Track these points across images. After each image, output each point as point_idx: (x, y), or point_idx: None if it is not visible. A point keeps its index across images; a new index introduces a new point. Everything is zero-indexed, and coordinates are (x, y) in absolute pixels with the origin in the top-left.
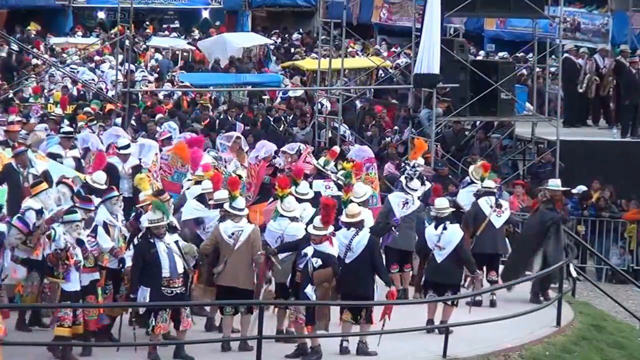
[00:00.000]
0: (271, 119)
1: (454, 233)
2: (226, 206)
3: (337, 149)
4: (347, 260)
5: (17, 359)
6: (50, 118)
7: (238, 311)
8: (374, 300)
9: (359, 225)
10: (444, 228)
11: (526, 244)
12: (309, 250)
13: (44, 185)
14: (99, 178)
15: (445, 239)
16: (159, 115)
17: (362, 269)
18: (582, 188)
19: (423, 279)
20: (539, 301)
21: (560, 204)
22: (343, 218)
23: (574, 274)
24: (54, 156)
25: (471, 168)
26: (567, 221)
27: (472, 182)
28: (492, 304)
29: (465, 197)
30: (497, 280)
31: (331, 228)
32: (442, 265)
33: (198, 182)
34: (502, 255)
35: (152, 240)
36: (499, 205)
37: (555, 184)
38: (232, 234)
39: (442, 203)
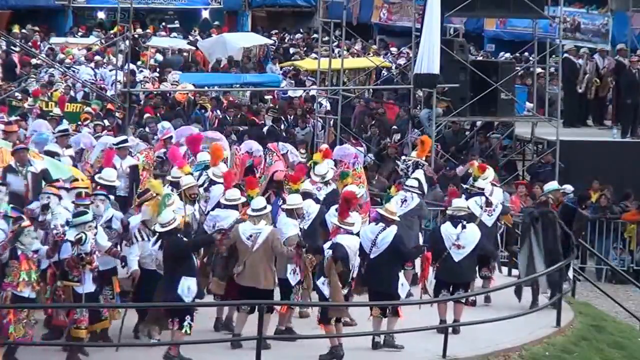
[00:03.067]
0: (271, 118)
1: (474, 232)
2: (249, 211)
3: (323, 146)
4: (372, 256)
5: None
6: (52, 118)
7: (254, 310)
8: (400, 297)
9: (389, 222)
10: (463, 227)
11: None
12: (327, 244)
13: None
14: (108, 175)
15: (466, 238)
16: (146, 115)
17: (386, 264)
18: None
19: (435, 279)
20: (537, 304)
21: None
22: (381, 211)
23: (571, 275)
24: (51, 154)
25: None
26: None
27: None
28: (487, 299)
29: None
30: (491, 276)
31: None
32: (461, 264)
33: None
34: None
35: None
36: (489, 204)
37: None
38: (250, 235)
39: (459, 203)
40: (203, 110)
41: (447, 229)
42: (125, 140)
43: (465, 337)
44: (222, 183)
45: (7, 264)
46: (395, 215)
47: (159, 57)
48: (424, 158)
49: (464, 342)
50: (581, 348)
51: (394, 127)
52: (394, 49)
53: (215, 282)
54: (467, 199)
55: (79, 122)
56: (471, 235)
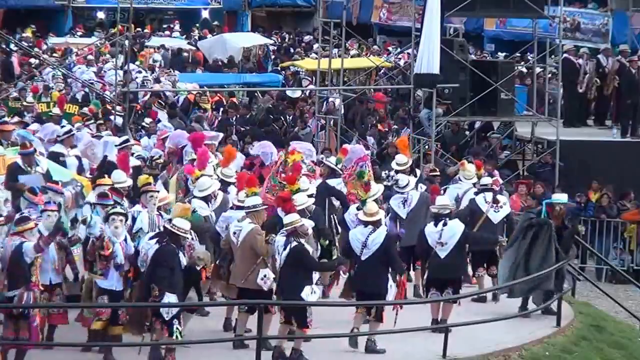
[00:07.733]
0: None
1: (455, 227)
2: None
3: (348, 146)
4: (363, 257)
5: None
6: (51, 118)
7: (252, 310)
8: (387, 299)
9: (376, 223)
10: (444, 224)
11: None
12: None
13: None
14: (118, 177)
15: (447, 234)
16: (149, 120)
17: (376, 266)
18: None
19: (425, 277)
20: (527, 308)
21: (559, 219)
22: (361, 216)
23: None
24: (56, 155)
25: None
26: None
27: (460, 180)
28: (495, 297)
29: (451, 194)
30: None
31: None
32: (446, 261)
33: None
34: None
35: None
36: (496, 201)
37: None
38: (234, 232)
39: (443, 200)
40: (202, 111)
41: (429, 229)
42: (128, 141)
43: (465, 337)
44: (232, 183)
45: None
46: (375, 215)
47: (157, 56)
48: (405, 159)
49: (464, 342)
50: (581, 348)
51: (394, 126)
52: (391, 48)
53: (223, 285)
54: (476, 194)
55: (77, 124)
56: (452, 231)
